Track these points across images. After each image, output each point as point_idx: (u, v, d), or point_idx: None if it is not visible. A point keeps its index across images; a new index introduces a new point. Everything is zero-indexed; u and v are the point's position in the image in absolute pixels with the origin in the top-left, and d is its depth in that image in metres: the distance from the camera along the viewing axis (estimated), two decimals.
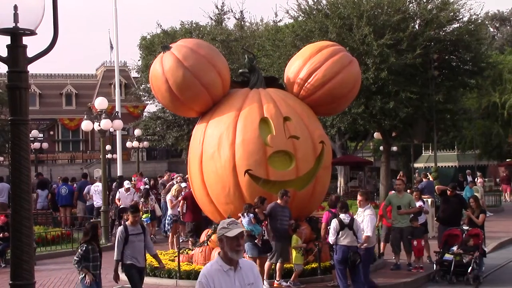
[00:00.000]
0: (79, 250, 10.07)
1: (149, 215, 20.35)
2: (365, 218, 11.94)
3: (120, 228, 10.55)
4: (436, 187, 15.77)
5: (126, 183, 21.88)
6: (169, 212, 18.32)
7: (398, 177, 26.61)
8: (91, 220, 12.37)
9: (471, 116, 36.46)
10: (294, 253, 12.51)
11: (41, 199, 24.37)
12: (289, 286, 12.34)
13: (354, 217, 11.90)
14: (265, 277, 12.24)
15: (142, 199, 21.02)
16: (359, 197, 12.30)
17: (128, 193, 20.96)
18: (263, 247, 12.04)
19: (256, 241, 11.92)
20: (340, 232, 11.35)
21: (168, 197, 18.71)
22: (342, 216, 11.52)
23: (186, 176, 20.59)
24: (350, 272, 11.57)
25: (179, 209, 17.36)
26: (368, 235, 11.78)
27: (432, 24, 26.44)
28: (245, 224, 11.90)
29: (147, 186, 24.08)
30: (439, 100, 26.55)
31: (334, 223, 11.49)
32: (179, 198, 17.79)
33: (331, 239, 11.56)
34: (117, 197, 21.43)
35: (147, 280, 13.57)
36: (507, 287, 13.34)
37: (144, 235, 10.54)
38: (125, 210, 18.22)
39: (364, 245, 11.66)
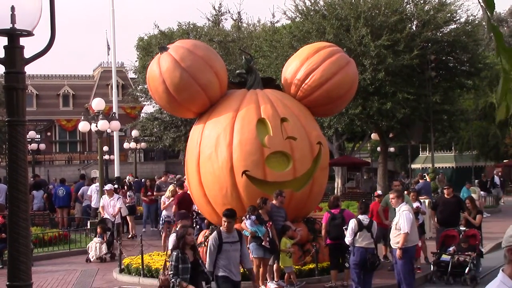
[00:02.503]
0: (170, 259, 8.69)
1: None
2: (400, 216, 11.26)
3: (213, 235, 9.36)
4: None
5: (108, 186, 19.36)
6: (163, 213, 18.33)
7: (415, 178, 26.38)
8: (183, 224, 10.80)
9: (468, 117, 36.46)
10: (281, 255, 12.26)
11: (37, 200, 24.37)
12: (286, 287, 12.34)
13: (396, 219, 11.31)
14: (275, 278, 12.25)
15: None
16: (391, 196, 11.83)
17: (112, 198, 18.57)
18: (271, 247, 11.98)
19: (263, 242, 11.80)
20: (358, 233, 11.14)
21: (163, 198, 18.75)
22: (361, 217, 11.32)
23: (184, 177, 20.61)
24: (364, 274, 11.32)
25: (173, 210, 17.14)
26: (406, 232, 11.05)
27: (429, 25, 26.48)
28: (249, 225, 11.90)
29: (115, 186, 23.99)
30: (436, 101, 26.57)
31: (353, 223, 11.27)
32: (171, 200, 17.80)
33: (347, 240, 11.35)
34: (101, 204, 19.09)
35: (144, 280, 13.57)
36: None
37: (241, 243, 9.34)
38: (104, 222, 17.63)
39: (402, 244, 11.07)
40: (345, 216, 12.72)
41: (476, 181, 33.56)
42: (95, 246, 17.21)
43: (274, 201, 12.42)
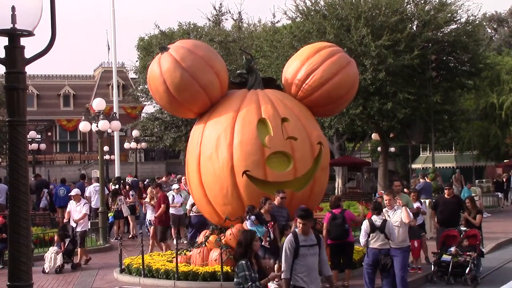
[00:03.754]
0: (239, 271, 7.73)
1: (113, 214, 20.93)
2: (402, 211, 11.47)
3: (289, 237, 8.21)
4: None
5: (74, 191, 17.85)
6: (147, 215, 18.44)
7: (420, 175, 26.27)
8: (246, 229, 10.40)
9: (468, 117, 36.49)
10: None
11: (45, 198, 24.82)
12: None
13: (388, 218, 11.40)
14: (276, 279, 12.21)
15: (109, 199, 21.31)
16: (385, 197, 11.79)
17: (78, 204, 17.08)
18: (271, 247, 11.94)
19: (263, 242, 11.70)
20: (371, 235, 11.00)
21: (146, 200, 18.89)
22: (373, 217, 11.14)
23: (183, 177, 20.64)
24: (381, 276, 11.23)
25: (161, 210, 17.01)
26: (410, 220, 11.54)
27: (430, 25, 26.49)
28: (249, 225, 11.89)
29: (116, 187, 24.13)
30: (436, 101, 26.57)
31: (365, 224, 11.13)
32: (152, 202, 18.07)
33: (361, 241, 11.23)
34: (67, 209, 17.68)
35: (145, 281, 13.58)
36: None
37: (319, 247, 8.19)
38: (64, 229, 16.65)
39: (400, 244, 11.27)
40: (346, 216, 12.71)
41: (478, 180, 33.46)
42: (50, 256, 15.66)
43: (275, 201, 12.43)
